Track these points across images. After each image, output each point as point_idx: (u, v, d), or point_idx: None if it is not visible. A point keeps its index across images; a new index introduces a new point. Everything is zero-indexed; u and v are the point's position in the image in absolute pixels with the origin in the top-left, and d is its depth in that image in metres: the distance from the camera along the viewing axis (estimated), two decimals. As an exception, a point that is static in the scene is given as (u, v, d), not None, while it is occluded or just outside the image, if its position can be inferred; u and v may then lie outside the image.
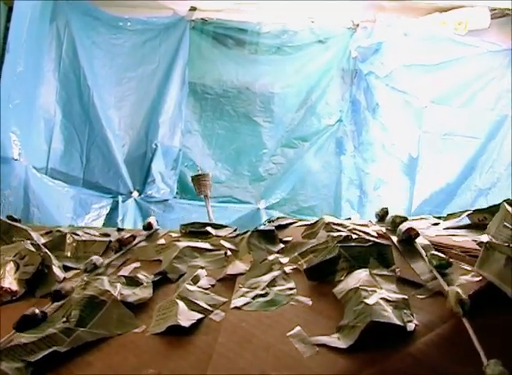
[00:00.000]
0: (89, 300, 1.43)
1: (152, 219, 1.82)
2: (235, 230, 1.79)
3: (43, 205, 4.22)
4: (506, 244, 1.31)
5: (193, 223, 1.55)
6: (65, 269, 1.69)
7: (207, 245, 1.66)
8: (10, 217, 2.41)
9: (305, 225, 1.69)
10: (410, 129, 4.83)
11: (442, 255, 1.44)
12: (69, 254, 1.61)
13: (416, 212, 4.86)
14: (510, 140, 4.65)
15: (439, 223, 1.71)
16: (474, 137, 4.79)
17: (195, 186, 3.55)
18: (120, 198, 4.69)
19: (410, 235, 1.56)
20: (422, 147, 4.83)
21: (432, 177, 4.87)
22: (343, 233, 1.54)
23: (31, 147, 4.29)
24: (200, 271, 1.56)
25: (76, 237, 1.59)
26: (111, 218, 4.65)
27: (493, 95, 4.73)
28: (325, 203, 4.99)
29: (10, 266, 1.54)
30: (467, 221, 1.90)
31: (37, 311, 1.44)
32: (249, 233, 1.63)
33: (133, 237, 1.72)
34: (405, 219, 1.74)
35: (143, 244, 1.78)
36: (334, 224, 1.54)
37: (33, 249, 1.61)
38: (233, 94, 4.99)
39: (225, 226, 1.67)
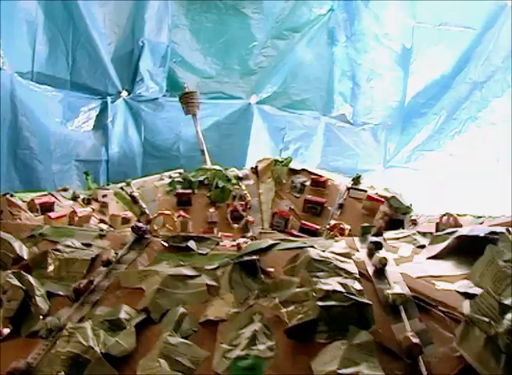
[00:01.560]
0: (73, 360, 1.51)
1: (139, 224, 1.79)
2: (217, 244, 1.79)
3: (31, 113, 4.21)
4: (487, 320, 1.29)
5: (175, 236, 1.54)
6: (49, 295, 1.73)
7: (188, 271, 1.66)
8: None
9: (288, 249, 1.66)
10: (404, 19, 4.67)
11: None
12: (52, 273, 1.61)
13: (410, 104, 4.84)
14: (510, 30, 4.51)
15: (424, 246, 1.64)
16: (469, 28, 4.64)
17: (183, 105, 3.50)
18: (109, 99, 4.64)
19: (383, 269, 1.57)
20: (416, 37, 4.70)
21: (426, 69, 4.79)
22: (323, 286, 1.53)
23: (15, 52, 4.19)
24: (181, 310, 1.61)
25: (58, 254, 1.57)
26: (100, 120, 4.64)
27: (491, -18, 4.54)
28: (318, 96, 4.94)
29: (-7, 303, 1.57)
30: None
31: (21, 365, 1.51)
32: (230, 266, 1.63)
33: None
34: (380, 234, 1.74)
35: (131, 256, 1.75)
36: (316, 261, 1.52)
37: (16, 283, 1.63)
38: (220, -15, 4.78)
39: (208, 239, 1.67)
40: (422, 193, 4.68)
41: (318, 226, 2.98)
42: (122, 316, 1.65)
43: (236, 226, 2.93)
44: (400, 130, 4.87)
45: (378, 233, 1.76)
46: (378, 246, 1.29)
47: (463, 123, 4.72)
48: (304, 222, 3.02)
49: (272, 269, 1.58)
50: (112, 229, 2.37)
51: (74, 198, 2.79)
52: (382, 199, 2.97)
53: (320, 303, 1.51)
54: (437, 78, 4.78)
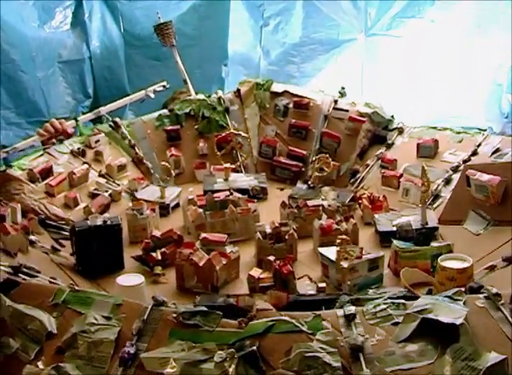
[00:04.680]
0: None
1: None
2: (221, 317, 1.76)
3: (6, 23, 4.14)
4: None
5: (184, 312, 1.69)
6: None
7: (201, 355, 1.67)
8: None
9: (282, 332, 1.65)
10: None
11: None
12: (83, 352, 1.69)
13: None
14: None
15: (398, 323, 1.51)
16: None
17: (159, 37, 3.45)
18: (83, -6, 4.54)
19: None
20: None
21: None
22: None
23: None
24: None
25: (85, 336, 1.71)
26: (77, 17, 4.57)
27: None
28: None
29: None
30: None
31: None
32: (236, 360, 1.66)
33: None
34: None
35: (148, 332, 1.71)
36: (306, 359, 1.56)
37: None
38: None
39: (212, 314, 1.72)
40: (404, 62, 4.76)
41: (304, 152, 3.15)
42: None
43: (219, 153, 3.05)
44: (380, -5, 4.81)
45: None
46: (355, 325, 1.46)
47: (442, -12, 4.66)
48: (291, 148, 3.17)
49: (271, 358, 1.64)
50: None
51: (71, 152, 2.91)
52: (364, 119, 3.09)
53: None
54: None
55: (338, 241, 2.16)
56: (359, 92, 4.72)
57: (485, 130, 3.04)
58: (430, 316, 1.42)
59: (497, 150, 2.64)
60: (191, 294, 2.15)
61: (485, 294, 1.50)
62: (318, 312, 1.51)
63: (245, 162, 3.18)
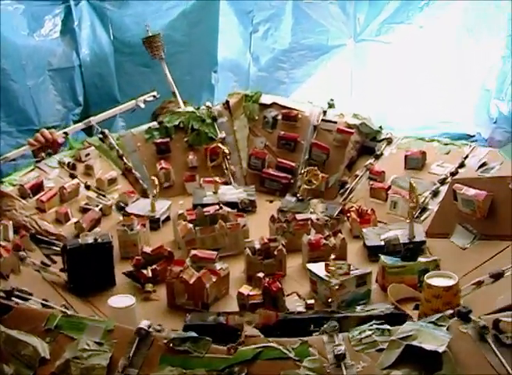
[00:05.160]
0: None
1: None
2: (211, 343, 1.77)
3: (-4, 33, 4.17)
4: None
5: (174, 339, 1.72)
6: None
7: None
8: None
9: (270, 359, 1.65)
10: None
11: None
12: None
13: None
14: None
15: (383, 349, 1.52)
16: None
17: (147, 50, 3.47)
18: (72, 3, 4.56)
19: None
20: None
21: None
22: None
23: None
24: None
25: (78, 362, 1.68)
26: (66, 25, 4.60)
27: None
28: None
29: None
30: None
31: None
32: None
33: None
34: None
35: (139, 359, 1.67)
36: None
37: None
38: None
39: (202, 339, 1.71)
40: (394, 67, 4.79)
41: (293, 164, 3.18)
42: None
43: (210, 164, 3.09)
44: (368, 1, 4.83)
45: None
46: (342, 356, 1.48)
47: (431, -6, 4.70)
48: (280, 160, 3.20)
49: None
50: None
51: (60, 164, 2.93)
52: (352, 131, 3.12)
53: None
54: None
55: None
56: (348, 98, 4.76)
57: (472, 141, 3.08)
58: (414, 342, 1.45)
59: (484, 164, 2.68)
60: (182, 312, 2.17)
61: (472, 326, 1.52)
62: (304, 339, 1.54)
63: (233, 171, 3.21)
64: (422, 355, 1.43)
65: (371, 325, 1.57)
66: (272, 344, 1.53)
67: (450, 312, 1.60)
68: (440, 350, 1.41)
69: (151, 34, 3.46)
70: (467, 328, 1.52)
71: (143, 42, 3.48)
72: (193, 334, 1.60)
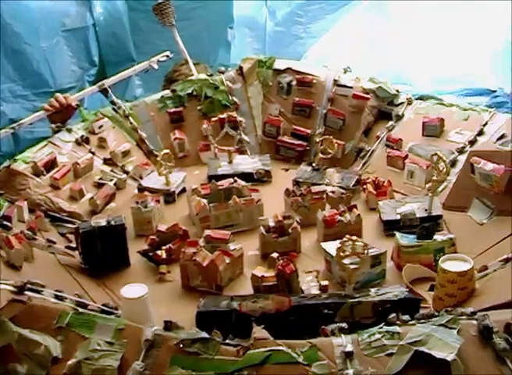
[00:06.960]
0: None
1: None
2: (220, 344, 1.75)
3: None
4: None
5: (185, 340, 1.72)
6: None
7: None
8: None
9: (279, 363, 1.61)
10: None
11: None
12: None
13: None
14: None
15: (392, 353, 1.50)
16: None
17: (157, 17, 3.38)
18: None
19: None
20: None
21: None
22: None
23: None
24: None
25: (89, 363, 1.69)
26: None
27: None
28: None
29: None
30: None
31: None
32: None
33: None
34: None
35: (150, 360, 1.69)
36: None
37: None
38: None
39: (212, 340, 1.71)
40: (414, 20, 4.67)
41: (308, 131, 3.13)
42: None
43: (215, 139, 3.05)
44: None
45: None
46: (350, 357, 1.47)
47: None
48: (295, 127, 3.15)
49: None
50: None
51: (75, 140, 2.91)
52: (368, 96, 3.05)
53: None
54: None
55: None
56: (367, 52, 4.64)
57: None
58: (423, 348, 1.43)
59: (503, 136, 2.61)
60: (196, 293, 2.19)
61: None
62: (313, 341, 1.53)
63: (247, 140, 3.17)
64: (432, 361, 1.42)
65: (381, 327, 1.55)
66: (281, 348, 1.52)
67: (462, 310, 1.58)
68: (449, 358, 1.39)
69: (160, 1, 3.36)
70: (476, 331, 1.49)
71: (152, 9, 3.39)
72: (204, 335, 1.60)
